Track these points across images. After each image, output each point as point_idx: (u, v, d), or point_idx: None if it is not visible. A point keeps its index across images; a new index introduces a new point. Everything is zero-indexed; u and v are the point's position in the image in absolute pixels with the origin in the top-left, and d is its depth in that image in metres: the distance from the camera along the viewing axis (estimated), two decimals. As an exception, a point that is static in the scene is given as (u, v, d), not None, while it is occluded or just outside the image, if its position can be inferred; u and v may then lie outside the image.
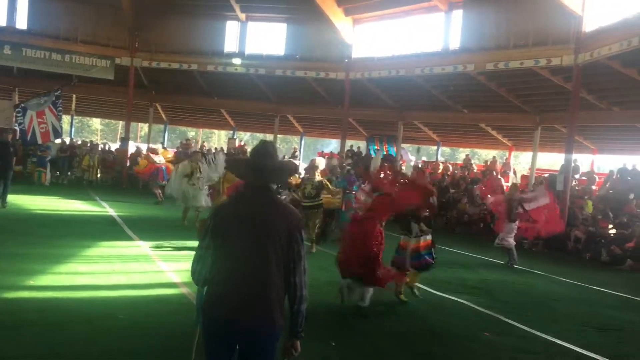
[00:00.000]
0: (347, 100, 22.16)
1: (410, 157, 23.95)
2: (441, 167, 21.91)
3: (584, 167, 19.75)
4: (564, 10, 15.24)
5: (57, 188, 19.32)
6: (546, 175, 20.19)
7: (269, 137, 28.76)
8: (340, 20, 21.36)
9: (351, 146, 23.64)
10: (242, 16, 23.12)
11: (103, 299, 6.52)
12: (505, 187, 18.04)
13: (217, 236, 3.07)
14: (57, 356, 4.79)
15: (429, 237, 7.55)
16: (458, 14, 19.28)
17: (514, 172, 21.94)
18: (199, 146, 27.58)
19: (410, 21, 21.28)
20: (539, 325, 6.88)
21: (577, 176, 18.57)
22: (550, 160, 35.75)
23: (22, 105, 19.32)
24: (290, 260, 3.04)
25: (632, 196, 15.59)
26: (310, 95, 23.83)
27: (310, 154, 34.18)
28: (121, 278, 7.52)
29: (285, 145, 51.29)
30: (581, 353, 5.99)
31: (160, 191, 16.81)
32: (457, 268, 10.50)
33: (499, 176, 18.77)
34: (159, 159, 18.00)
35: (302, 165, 22.36)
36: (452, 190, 18.40)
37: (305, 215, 10.30)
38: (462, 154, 42.64)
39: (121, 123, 40.24)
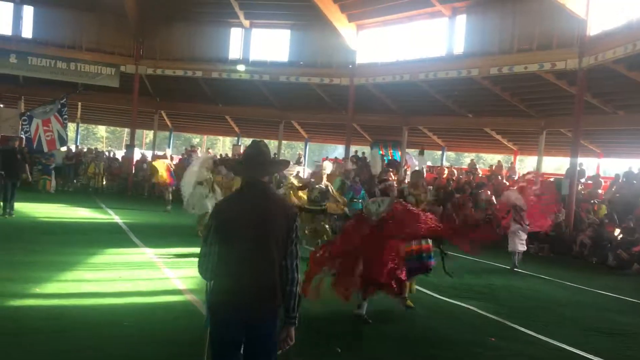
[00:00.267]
0: (351, 105, 22.18)
1: (414, 162, 23.89)
2: (446, 172, 21.87)
3: (589, 171, 19.65)
4: (568, 14, 15.22)
5: (62, 195, 19.40)
6: (552, 179, 20.12)
7: (274, 143, 28.84)
8: (344, 26, 21.39)
9: (356, 151, 23.62)
10: (246, 23, 23.21)
11: (108, 306, 6.53)
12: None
13: (220, 232, 3.20)
14: (62, 364, 4.79)
15: (430, 241, 7.49)
16: (462, 19, 19.27)
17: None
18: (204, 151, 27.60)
19: (414, 26, 21.30)
20: (545, 330, 6.84)
21: (582, 180, 18.48)
22: (556, 165, 35.66)
23: (28, 113, 19.45)
24: (286, 246, 3.24)
25: (640, 200, 15.51)
26: (315, 101, 23.85)
27: (315, 160, 34.21)
28: (127, 285, 7.53)
29: (290, 151, 51.29)
30: (588, 358, 5.95)
31: (170, 198, 16.79)
32: (463, 273, 10.44)
33: (505, 180, 18.71)
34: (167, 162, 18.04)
35: (307, 171, 22.43)
36: (457, 195, 18.34)
37: (307, 218, 10.30)
38: (467, 158, 42.53)
39: (126, 130, 40.43)
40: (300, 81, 22.54)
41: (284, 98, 24.34)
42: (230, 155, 25.36)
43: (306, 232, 10.82)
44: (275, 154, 23.88)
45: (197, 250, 3.37)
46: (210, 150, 30.20)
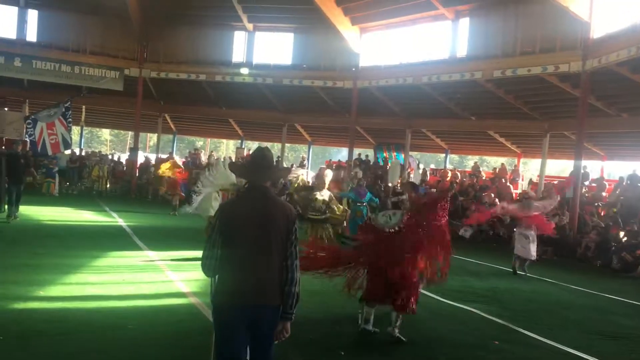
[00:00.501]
0: (354, 108, 22.20)
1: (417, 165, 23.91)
2: (450, 174, 21.87)
3: (593, 174, 19.62)
4: (571, 16, 15.22)
5: (66, 198, 19.46)
6: (555, 182, 20.10)
7: (277, 146, 28.86)
8: (347, 29, 21.43)
9: (359, 154, 23.65)
10: (250, 26, 23.27)
11: (112, 309, 6.53)
12: (514, 195, 18.04)
13: (224, 231, 3.34)
14: (66, 366, 4.80)
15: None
16: (465, 22, 19.30)
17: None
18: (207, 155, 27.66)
19: (417, 29, 21.36)
20: (549, 333, 6.83)
21: (586, 183, 18.46)
22: (560, 167, 35.60)
23: (32, 116, 19.50)
24: (286, 247, 3.39)
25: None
26: (318, 104, 23.88)
27: (318, 163, 34.27)
28: (130, 288, 7.54)
29: (294, 154, 51.35)
30: (592, 361, 5.94)
31: (177, 203, 16.75)
32: (467, 276, 10.43)
33: (508, 184, 18.71)
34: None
35: (310, 174, 22.46)
36: (460, 198, 18.34)
37: (310, 227, 10.27)
38: (470, 161, 42.55)
39: (130, 133, 40.40)
40: (303, 84, 22.58)
41: (288, 101, 24.38)
42: (233, 159, 25.38)
43: (309, 238, 10.73)
44: (278, 157, 23.91)
45: (200, 253, 3.41)
46: (214, 153, 30.29)
